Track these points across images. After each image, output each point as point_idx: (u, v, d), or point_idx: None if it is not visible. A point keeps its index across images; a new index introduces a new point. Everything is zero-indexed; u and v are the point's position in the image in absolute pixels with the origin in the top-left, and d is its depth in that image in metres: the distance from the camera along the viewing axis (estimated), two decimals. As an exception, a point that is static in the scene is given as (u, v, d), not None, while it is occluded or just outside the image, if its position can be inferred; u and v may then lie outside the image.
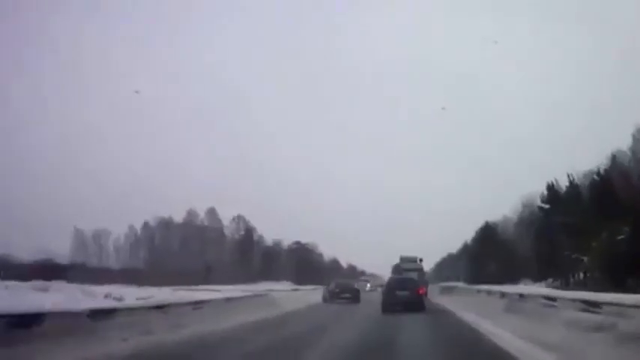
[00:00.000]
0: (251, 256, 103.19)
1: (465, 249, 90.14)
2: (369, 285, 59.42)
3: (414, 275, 32.57)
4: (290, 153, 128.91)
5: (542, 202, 52.63)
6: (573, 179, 49.38)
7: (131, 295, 36.71)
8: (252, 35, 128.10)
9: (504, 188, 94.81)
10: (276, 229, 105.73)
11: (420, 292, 24.84)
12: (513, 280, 59.04)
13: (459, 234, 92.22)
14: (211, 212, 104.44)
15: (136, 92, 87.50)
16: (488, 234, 66.89)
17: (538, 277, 53.64)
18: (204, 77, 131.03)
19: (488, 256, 62.12)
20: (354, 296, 35.15)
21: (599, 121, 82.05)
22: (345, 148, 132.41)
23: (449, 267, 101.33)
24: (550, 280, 53.00)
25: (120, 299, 30.63)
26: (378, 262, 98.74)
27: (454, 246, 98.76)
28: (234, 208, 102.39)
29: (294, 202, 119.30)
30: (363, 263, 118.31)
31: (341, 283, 38.59)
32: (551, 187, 52.03)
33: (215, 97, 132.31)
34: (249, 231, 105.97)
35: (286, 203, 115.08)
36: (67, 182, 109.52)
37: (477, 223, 73.42)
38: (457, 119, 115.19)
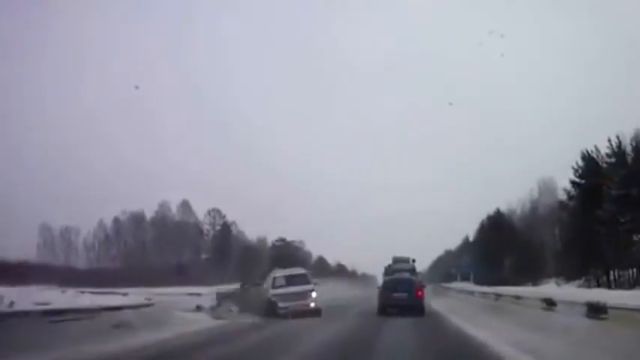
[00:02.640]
0: (228, 254, 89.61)
1: (466, 245, 77.72)
2: (314, 293, 23.25)
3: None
4: (282, 148, 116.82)
5: (578, 176, 38.72)
6: (619, 143, 35.66)
7: (29, 298, 25.57)
8: (250, 29, 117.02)
9: (503, 184, 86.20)
10: (264, 226, 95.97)
11: (419, 293, 21.97)
12: (534, 279, 45.38)
13: (457, 230, 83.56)
14: (185, 205, 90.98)
15: (136, 87, 77.75)
16: (499, 223, 52.90)
17: (573, 275, 39.62)
18: (196, 68, 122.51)
19: (502, 250, 48.21)
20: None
21: (607, 116, 66.55)
22: (341, 144, 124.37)
23: (447, 265, 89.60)
24: (583, 279, 39.37)
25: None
26: (370, 262, 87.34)
27: (452, 242, 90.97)
28: (220, 204, 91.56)
29: (287, 199, 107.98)
30: (354, 263, 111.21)
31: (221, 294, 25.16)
32: (587, 157, 38.26)
33: (201, 87, 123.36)
34: (226, 226, 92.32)
35: (279, 200, 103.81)
36: (35, 176, 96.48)
37: (476, 217, 62.90)
38: (464, 114, 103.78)
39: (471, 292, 26.58)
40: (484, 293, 22.28)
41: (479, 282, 42.28)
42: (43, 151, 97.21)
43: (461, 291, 32.02)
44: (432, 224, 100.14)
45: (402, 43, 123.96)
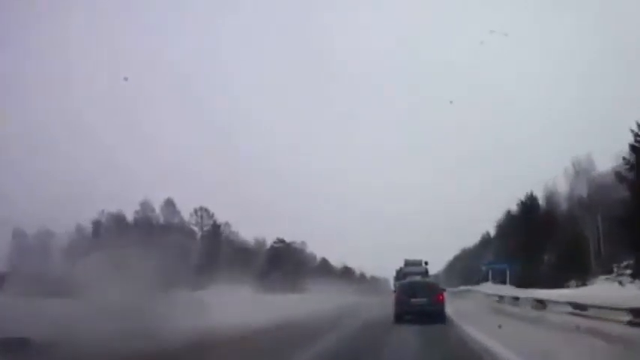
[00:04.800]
0: (218, 256, 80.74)
1: (487, 241, 68.46)
2: None
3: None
4: (283, 148, 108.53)
5: (640, 141, 29.08)
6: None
7: None
8: (248, 26, 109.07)
9: (510, 182, 79.71)
10: (263, 228, 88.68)
11: (440, 298, 19.97)
12: (582, 278, 35.80)
13: (469, 229, 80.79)
14: (169, 204, 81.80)
15: (125, 79, 71.26)
16: (533, 210, 42.84)
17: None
18: (187, 63, 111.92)
19: (539, 242, 38.32)
20: None
21: (609, 115, 64.00)
22: (342, 143, 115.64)
23: (464, 266, 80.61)
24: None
25: None
26: (379, 265, 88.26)
27: (465, 242, 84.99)
28: (215, 205, 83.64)
29: (289, 199, 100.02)
30: (361, 266, 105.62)
31: None
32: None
33: (198, 86, 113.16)
34: (216, 226, 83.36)
35: (280, 201, 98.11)
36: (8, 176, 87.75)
37: (489, 214, 58.46)
38: (465, 113, 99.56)
39: (541, 304, 15.62)
40: (581, 308, 11.81)
41: (516, 283, 32.59)
42: (16, 150, 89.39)
43: (510, 301, 21.69)
44: (442, 224, 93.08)
45: (403, 41, 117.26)
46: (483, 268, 37.10)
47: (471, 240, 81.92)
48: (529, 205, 43.98)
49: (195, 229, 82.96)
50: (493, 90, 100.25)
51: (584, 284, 34.90)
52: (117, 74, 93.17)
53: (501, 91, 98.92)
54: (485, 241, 70.32)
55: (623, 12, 76.93)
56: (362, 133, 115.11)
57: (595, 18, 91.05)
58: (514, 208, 51.88)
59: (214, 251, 79.98)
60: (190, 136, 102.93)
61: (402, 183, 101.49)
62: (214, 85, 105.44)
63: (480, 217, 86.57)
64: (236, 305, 23.04)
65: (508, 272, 32.47)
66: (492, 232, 68.42)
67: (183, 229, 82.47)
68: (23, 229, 78.74)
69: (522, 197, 46.38)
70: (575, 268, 36.86)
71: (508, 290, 25.62)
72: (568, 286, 35.58)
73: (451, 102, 79.07)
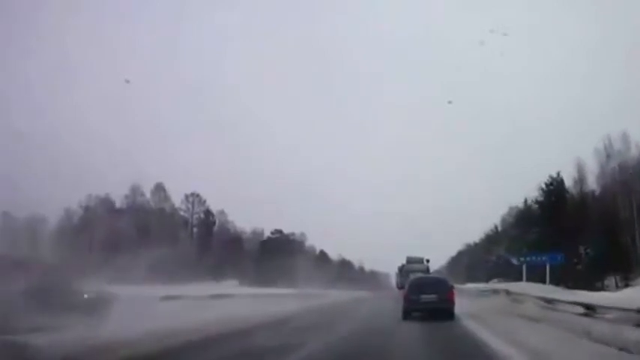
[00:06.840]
0: (210, 246, 74.40)
1: (494, 236, 62.19)
2: None
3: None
4: (284, 144, 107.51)
5: None
6: None
7: None
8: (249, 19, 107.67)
9: (513, 179, 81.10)
10: (262, 219, 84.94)
11: (450, 295, 18.71)
12: (626, 276, 29.16)
13: (473, 224, 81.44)
14: (159, 189, 75.29)
15: (127, 82, 67.07)
16: (560, 195, 35.80)
17: None
18: (187, 53, 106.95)
19: (572, 232, 31.30)
20: None
21: (608, 114, 65.17)
22: (339, 138, 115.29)
23: (469, 262, 74.29)
24: None
25: None
26: (380, 259, 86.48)
27: (469, 237, 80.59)
28: (213, 194, 77.91)
29: (289, 193, 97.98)
30: (362, 259, 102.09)
31: None
32: None
33: (200, 83, 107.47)
34: (209, 214, 76.83)
35: (280, 194, 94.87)
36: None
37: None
38: (464, 113, 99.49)
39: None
40: None
41: (555, 282, 25.58)
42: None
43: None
44: (443, 221, 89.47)
45: (400, 39, 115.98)
46: (515, 262, 29.66)
47: (472, 237, 78.63)
48: (554, 189, 36.78)
49: (185, 215, 76.51)
50: (493, 90, 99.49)
51: (627, 284, 28.26)
52: (116, 73, 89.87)
53: (501, 90, 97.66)
54: (493, 236, 64.22)
55: (624, 10, 75.01)
56: (362, 131, 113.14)
57: (595, 16, 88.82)
58: (519, 202, 47.80)
59: (202, 240, 73.81)
60: (193, 131, 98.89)
61: (402, 180, 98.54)
62: (216, 79, 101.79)
63: (481, 215, 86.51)
64: (175, 305, 16.54)
65: (548, 267, 25.42)
66: (499, 227, 64.02)
67: (172, 216, 76.36)
68: (12, 213, 73.75)
69: (540, 186, 40.25)
70: (612, 264, 30.08)
71: (575, 295, 18.27)
72: (607, 287, 29.05)
73: (450, 102, 77.75)
